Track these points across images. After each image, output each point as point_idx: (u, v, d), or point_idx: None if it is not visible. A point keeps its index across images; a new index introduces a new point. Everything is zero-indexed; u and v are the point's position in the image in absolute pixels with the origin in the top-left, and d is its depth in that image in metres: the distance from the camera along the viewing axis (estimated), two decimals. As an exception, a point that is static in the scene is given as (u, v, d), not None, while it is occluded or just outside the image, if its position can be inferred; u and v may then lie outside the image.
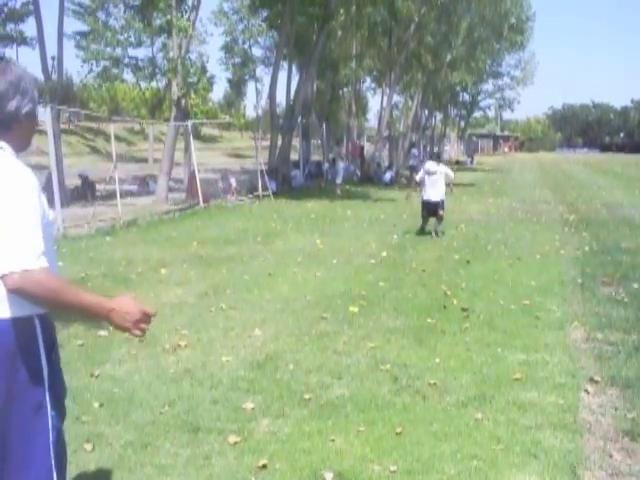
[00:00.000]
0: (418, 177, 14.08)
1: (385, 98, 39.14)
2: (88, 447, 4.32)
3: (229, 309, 7.65)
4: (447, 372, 5.62)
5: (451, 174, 14.08)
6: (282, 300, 8.01)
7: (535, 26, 58.54)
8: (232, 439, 4.40)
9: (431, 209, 13.38)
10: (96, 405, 4.97)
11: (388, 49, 38.23)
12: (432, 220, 13.62)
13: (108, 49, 40.46)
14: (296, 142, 30.87)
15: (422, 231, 13.60)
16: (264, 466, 4.06)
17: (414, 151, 32.68)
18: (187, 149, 24.58)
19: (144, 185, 23.79)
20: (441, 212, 13.41)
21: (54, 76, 21.68)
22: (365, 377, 5.53)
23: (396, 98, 49.61)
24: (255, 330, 6.79)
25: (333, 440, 4.40)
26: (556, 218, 16.68)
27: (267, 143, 28.31)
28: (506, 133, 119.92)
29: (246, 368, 5.73)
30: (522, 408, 4.90)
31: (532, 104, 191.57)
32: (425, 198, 13.50)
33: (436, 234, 13.28)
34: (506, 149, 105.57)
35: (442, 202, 13.47)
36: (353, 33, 35.45)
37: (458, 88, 60.20)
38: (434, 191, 13.39)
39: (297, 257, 10.83)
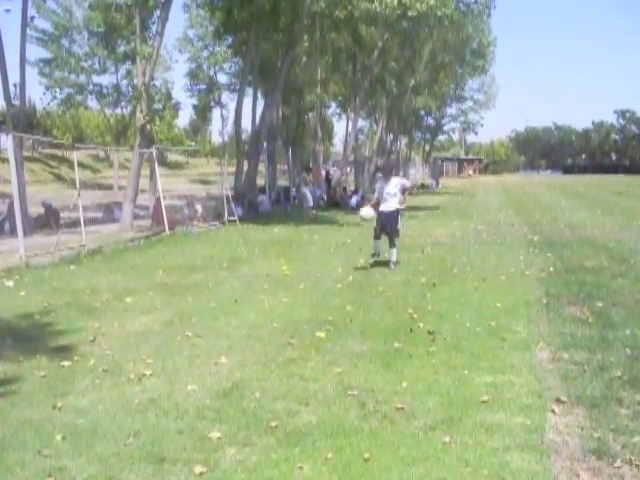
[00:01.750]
0: (376, 194, 13.25)
1: (350, 123, 39.45)
2: (50, 482, 4.22)
3: (195, 337, 7.57)
4: (414, 396, 5.60)
5: (406, 182, 13.98)
6: (248, 327, 7.95)
7: (496, 50, 59.17)
8: (198, 469, 4.34)
9: (384, 222, 12.45)
10: (59, 438, 4.87)
11: (352, 74, 38.60)
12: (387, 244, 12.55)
13: (72, 76, 40.36)
14: (262, 167, 30.88)
15: (375, 256, 12.66)
16: (231, 496, 4.01)
17: (379, 175, 32.79)
18: (152, 176, 24.44)
19: (109, 212, 23.58)
20: (396, 226, 12.58)
21: (16, 103, 21.43)
22: (332, 403, 5.49)
23: (361, 123, 50.22)
24: (221, 358, 6.73)
25: (301, 468, 4.36)
26: (521, 239, 16.84)
27: (233, 169, 28.27)
28: (470, 156, 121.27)
29: (212, 397, 5.66)
30: (490, 430, 4.90)
31: (495, 127, 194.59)
32: (380, 209, 12.61)
33: (393, 265, 12.26)
34: (470, 172, 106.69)
35: (397, 213, 12.69)
36: (317, 59, 35.75)
37: (422, 112, 60.88)
38: (386, 203, 12.57)
39: (263, 283, 10.78)
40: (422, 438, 4.79)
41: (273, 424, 5.04)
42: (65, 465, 4.46)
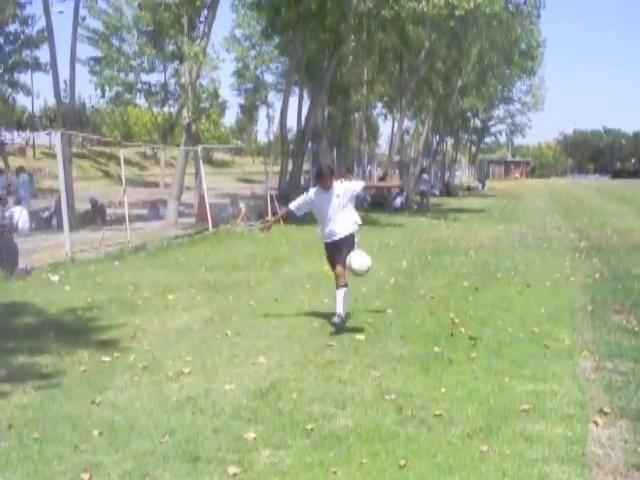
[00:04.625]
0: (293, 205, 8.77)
1: (396, 124, 39.28)
2: (85, 477, 4.25)
3: (234, 335, 7.58)
4: (453, 402, 5.52)
5: (357, 186, 8.55)
6: (288, 327, 7.94)
7: (545, 52, 58.29)
8: (232, 470, 4.32)
9: (333, 250, 8.26)
10: (96, 433, 4.91)
11: (399, 75, 38.42)
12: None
13: (121, 74, 40.94)
14: (307, 167, 30.91)
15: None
16: (264, 499, 3.98)
17: (425, 176, 32.59)
18: (197, 174, 24.65)
19: (154, 210, 23.82)
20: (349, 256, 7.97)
21: (66, 100, 21.80)
22: (369, 407, 5.44)
23: (407, 123, 49.91)
24: (259, 357, 6.72)
25: (335, 472, 4.31)
26: (567, 244, 16.55)
27: (278, 168, 28.35)
28: (517, 159, 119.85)
29: (249, 397, 5.65)
30: (529, 440, 4.79)
31: (543, 130, 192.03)
32: (327, 240, 8.36)
33: (339, 318, 7.83)
34: (517, 175, 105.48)
35: (352, 237, 8.19)
36: (364, 59, 35.62)
37: (469, 114, 60.33)
38: (337, 224, 8.16)
39: (305, 283, 10.76)
40: (459, 446, 4.70)
41: (309, 427, 5.00)
42: (101, 461, 4.49)
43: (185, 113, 20.67)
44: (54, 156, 47.20)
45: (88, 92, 47.37)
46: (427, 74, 39.88)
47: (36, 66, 40.30)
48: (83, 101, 54.26)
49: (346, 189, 8.23)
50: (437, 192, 44.47)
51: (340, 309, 7.82)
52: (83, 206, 21.62)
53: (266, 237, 17.29)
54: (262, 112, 73.06)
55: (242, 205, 21.85)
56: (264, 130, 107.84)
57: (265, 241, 16.35)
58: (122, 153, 18.50)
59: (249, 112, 58.37)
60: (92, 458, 4.53)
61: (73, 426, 5.07)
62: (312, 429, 4.97)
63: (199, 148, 20.95)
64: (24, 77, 69.21)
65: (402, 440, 4.81)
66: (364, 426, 5.04)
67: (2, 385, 6.03)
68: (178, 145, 34.63)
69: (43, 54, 54.66)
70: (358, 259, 7.93)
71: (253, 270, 12.09)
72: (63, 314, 8.70)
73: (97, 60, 41.38)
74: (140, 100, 44.64)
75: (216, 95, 46.80)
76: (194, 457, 4.52)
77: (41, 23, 38.17)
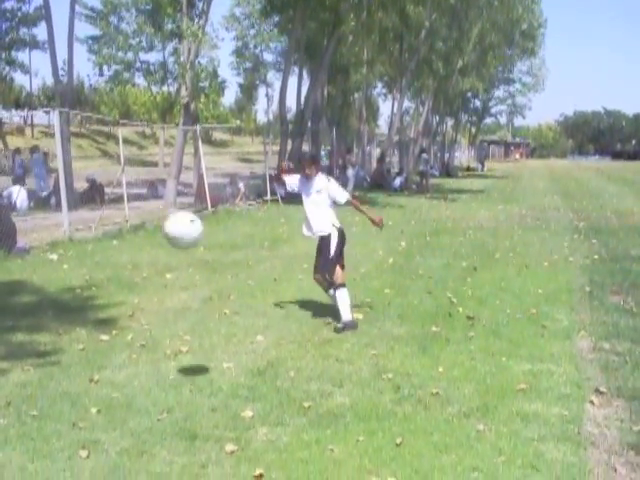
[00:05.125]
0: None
1: (396, 104, 39.06)
2: (83, 454, 4.28)
3: (232, 314, 7.60)
4: (450, 382, 5.54)
5: (341, 197, 7.54)
6: (286, 306, 7.96)
7: (546, 32, 57.84)
8: (229, 448, 4.34)
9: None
10: (94, 411, 4.93)
11: (399, 55, 38.17)
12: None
13: (120, 53, 40.75)
14: (306, 147, 30.83)
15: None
16: (260, 476, 4.01)
17: (424, 156, 32.47)
18: (196, 153, 24.57)
19: (153, 189, 23.77)
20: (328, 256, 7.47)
21: (64, 79, 21.67)
22: (367, 386, 5.47)
23: (407, 104, 49.62)
24: (257, 336, 6.74)
25: (332, 450, 4.34)
26: (566, 225, 16.55)
27: (277, 148, 28.27)
28: (517, 140, 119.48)
29: (247, 375, 5.67)
30: (525, 419, 4.82)
31: (543, 111, 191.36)
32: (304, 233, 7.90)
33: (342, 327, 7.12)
34: (517, 156, 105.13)
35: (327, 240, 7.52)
36: (364, 39, 35.34)
37: (469, 94, 60.01)
38: (313, 220, 7.59)
39: (303, 263, 10.73)
40: (456, 425, 4.73)
41: (306, 404, 5.03)
42: (99, 438, 4.51)
43: (184, 92, 20.57)
44: (53, 135, 47.11)
45: (86, 71, 47.25)
46: (427, 54, 39.65)
47: (34, 44, 40.13)
48: (82, 80, 54.07)
49: (328, 190, 7.47)
50: (436, 172, 44.37)
51: (342, 315, 7.15)
52: (81, 185, 21.56)
53: (264, 217, 17.34)
54: (261, 91, 72.89)
55: (241, 185, 21.81)
56: (263, 110, 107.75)
57: (264, 221, 16.36)
58: (121, 132, 18.41)
59: (248, 91, 58.15)
60: (90, 435, 4.56)
61: (71, 404, 5.09)
62: (309, 407, 5.00)
63: (198, 127, 20.87)
64: (22, 55, 68.75)
65: (399, 419, 4.84)
66: (361, 404, 5.07)
67: (1, 363, 6.04)
68: (177, 124, 34.57)
69: (41, 32, 54.24)
70: (173, 220, 5.83)
71: (252, 250, 12.09)
72: (61, 293, 8.71)
73: (95, 39, 41.17)
74: (139, 79, 44.54)
75: (215, 74, 46.67)
76: (191, 435, 4.55)
77: (38, 0, 38.03)
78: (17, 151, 24.61)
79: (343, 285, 7.37)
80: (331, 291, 7.47)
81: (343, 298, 7.24)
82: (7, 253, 11.02)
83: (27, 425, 4.73)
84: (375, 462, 4.19)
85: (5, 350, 6.42)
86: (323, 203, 7.48)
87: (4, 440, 4.50)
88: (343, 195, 7.60)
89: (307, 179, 7.52)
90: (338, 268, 7.48)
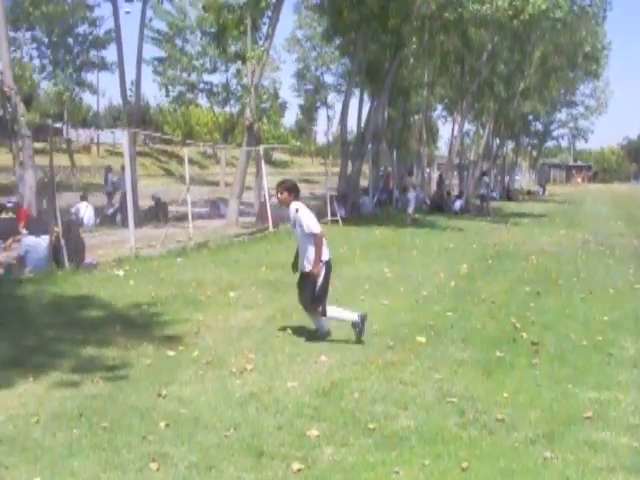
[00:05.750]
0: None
1: (456, 126, 38.92)
2: (153, 466, 4.37)
3: (296, 334, 7.67)
4: (515, 407, 5.50)
5: (312, 228, 7.25)
6: (348, 327, 7.97)
7: (610, 55, 56.79)
8: (296, 466, 4.39)
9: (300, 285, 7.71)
10: (162, 425, 5.03)
11: (460, 77, 38.08)
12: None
13: (184, 74, 41.62)
14: (366, 169, 30.91)
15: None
16: (327, 495, 4.04)
17: (485, 179, 32.26)
18: (258, 173, 24.88)
19: (215, 208, 24.12)
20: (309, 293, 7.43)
21: (132, 100, 22.27)
22: (431, 409, 5.46)
23: (467, 126, 49.36)
24: (321, 356, 6.79)
25: (397, 472, 4.34)
26: (630, 252, 16.21)
27: (337, 169, 28.42)
28: (579, 163, 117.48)
29: (311, 395, 5.72)
30: (593, 448, 4.75)
31: (606, 134, 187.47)
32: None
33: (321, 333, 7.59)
34: (579, 180, 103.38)
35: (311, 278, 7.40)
36: (425, 61, 35.40)
37: (531, 117, 59.37)
38: (301, 251, 7.59)
39: (364, 284, 10.79)
40: (522, 451, 4.69)
41: (371, 426, 5.05)
42: (168, 451, 4.61)
43: (247, 114, 20.88)
44: (117, 154, 48.30)
45: (151, 92, 48.34)
46: (489, 76, 39.41)
47: (102, 66, 41.33)
48: (147, 101, 55.34)
49: (297, 221, 7.25)
50: (497, 196, 43.94)
51: (348, 317, 7.54)
52: (145, 203, 22.02)
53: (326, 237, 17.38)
54: (322, 113, 73.25)
55: (302, 205, 21.95)
56: (323, 131, 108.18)
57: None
58: (186, 152, 18.80)
59: (308, 113, 58.67)
60: (159, 449, 4.65)
61: (141, 417, 5.21)
62: (374, 428, 5.01)
63: (261, 148, 21.15)
64: (90, 76, 70.87)
65: (464, 443, 4.82)
66: (426, 428, 5.06)
67: (72, 375, 6.23)
68: (239, 144, 35.02)
69: (109, 54, 55.81)
70: None
71: (313, 270, 12.15)
72: (128, 308, 8.91)
73: (161, 60, 42.17)
74: (202, 100, 45.36)
75: (276, 96, 47.23)
76: (258, 452, 4.61)
77: (108, 24, 39.18)
78: (109, 169, 25.31)
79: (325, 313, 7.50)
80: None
81: (335, 314, 7.55)
82: (76, 268, 11.34)
83: (99, 436, 4.86)
84: (441, 486, 4.19)
85: (76, 363, 6.60)
86: (303, 234, 7.31)
87: (78, 449, 4.64)
88: (312, 227, 7.20)
89: (286, 206, 7.53)
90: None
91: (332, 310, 7.53)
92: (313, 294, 7.38)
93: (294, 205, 7.33)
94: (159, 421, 5.10)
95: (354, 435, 4.91)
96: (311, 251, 7.28)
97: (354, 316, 7.44)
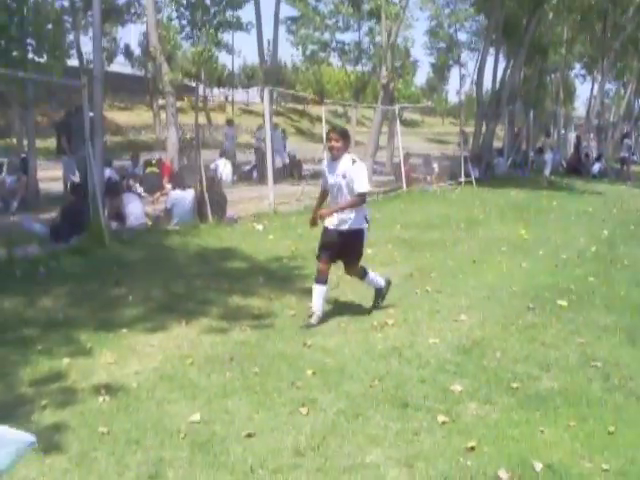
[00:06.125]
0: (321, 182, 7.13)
1: (596, 86, 37.23)
2: (303, 411, 4.59)
3: (434, 292, 7.73)
4: (664, 375, 5.36)
5: (359, 185, 6.47)
6: (487, 288, 7.96)
7: None
8: (440, 418, 4.49)
9: (329, 244, 6.71)
10: (309, 372, 5.25)
11: (602, 34, 36.26)
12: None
13: (316, 33, 41.79)
14: (499, 129, 30.19)
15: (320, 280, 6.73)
16: (472, 448, 4.11)
17: (627, 141, 30.74)
18: (391, 133, 24.83)
19: (347, 167, 24.30)
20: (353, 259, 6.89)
21: (268, 59, 22.65)
22: (574, 372, 5.41)
23: (607, 86, 47.07)
24: (461, 315, 6.83)
25: (542, 431, 4.36)
26: None
27: (469, 129, 27.93)
28: None
29: (452, 351, 5.79)
30: None
31: None
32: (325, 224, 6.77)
33: (374, 304, 7.12)
34: None
35: (355, 235, 6.70)
36: (565, 17, 33.91)
37: (678, 76, 55.93)
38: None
39: (501, 246, 10.67)
40: (674, 419, 4.59)
41: (514, 385, 5.07)
42: (316, 398, 4.81)
43: (383, 72, 20.79)
44: (250, 112, 49.28)
45: (283, 51, 48.86)
46: (633, 33, 37.33)
47: (238, 26, 42.10)
48: (280, 59, 56.00)
49: (350, 175, 6.46)
50: (638, 159, 41.86)
51: (315, 306, 6.63)
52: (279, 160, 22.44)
53: (458, 198, 17.23)
54: (454, 72, 71.87)
55: (435, 165, 21.82)
56: (455, 90, 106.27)
57: (458, 202, 16.30)
58: (323, 110, 19.02)
59: (440, 71, 57.60)
60: (308, 394, 4.87)
61: (288, 365, 5.45)
62: (517, 388, 5.03)
63: (397, 107, 21.08)
64: (226, 36, 72.25)
65: (610, 408, 4.77)
66: (570, 390, 5.03)
67: (221, 322, 6.58)
68: (369, 104, 34.95)
69: (244, 14, 56.76)
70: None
71: (448, 230, 12.13)
72: (269, 261, 9.23)
73: (294, 20, 42.51)
74: (334, 59, 45.46)
75: (408, 54, 46.63)
76: (403, 403, 4.74)
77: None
78: (260, 127, 25.79)
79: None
80: (369, 278, 7.06)
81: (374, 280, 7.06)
82: (219, 221, 11.82)
83: (250, 379, 5.14)
84: (587, 448, 4.17)
85: (224, 311, 6.96)
86: (347, 189, 6.53)
87: (231, 391, 4.93)
88: (362, 185, 6.48)
89: (333, 158, 6.59)
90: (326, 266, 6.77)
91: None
92: (360, 255, 6.92)
93: (349, 156, 6.58)
94: (306, 369, 5.32)
95: (497, 393, 4.95)
96: (350, 205, 6.52)
97: (381, 281, 7.08)
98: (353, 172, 6.45)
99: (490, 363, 5.54)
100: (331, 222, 6.65)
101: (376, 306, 7.07)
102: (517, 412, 4.64)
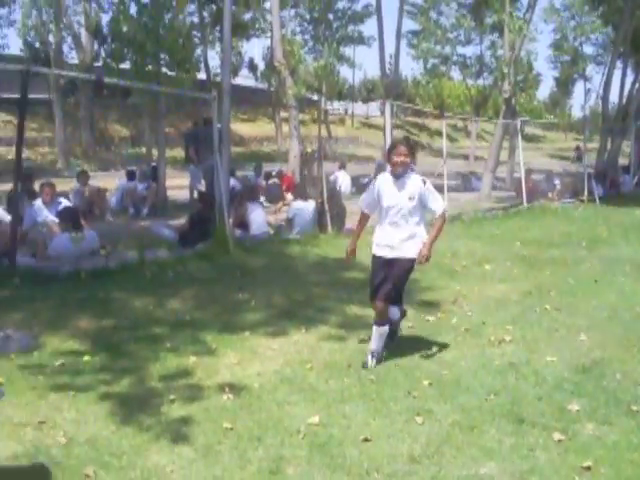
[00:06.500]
0: (363, 203, 6.17)
1: None
2: (419, 420, 4.71)
3: (553, 310, 7.64)
4: None
5: (438, 205, 5.86)
6: (609, 308, 7.78)
7: None
8: (556, 436, 4.49)
9: (379, 269, 5.96)
10: (425, 383, 5.36)
11: None
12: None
13: (438, 47, 41.75)
14: (625, 146, 29.11)
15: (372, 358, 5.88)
16: (588, 468, 4.09)
17: None
18: (512, 148, 24.47)
19: (466, 181, 24.10)
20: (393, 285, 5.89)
21: (389, 73, 22.87)
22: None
23: None
24: (580, 335, 6.73)
25: (664, 457, 4.28)
26: None
27: (593, 145, 27.10)
28: None
29: (571, 370, 5.73)
30: None
31: None
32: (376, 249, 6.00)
33: (390, 337, 6.14)
34: None
35: (409, 265, 5.93)
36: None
37: None
38: (390, 237, 5.85)
39: (624, 266, 10.36)
40: None
41: (634, 408, 4.98)
42: (431, 408, 4.92)
43: (506, 86, 20.56)
44: (370, 126, 49.60)
45: (404, 64, 48.98)
46: None
47: (359, 40, 42.58)
48: (400, 73, 56.16)
49: (422, 195, 5.72)
50: None
51: (373, 345, 5.88)
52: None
53: (581, 216, 16.79)
54: (578, 86, 69.82)
55: (557, 182, 21.33)
56: (579, 105, 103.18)
57: (581, 220, 15.88)
58: (444, 124, 19.02)
59: (564, 85, 56.13)
60: (423, 404, 4.98)
61: (404, 374, 5.57)
62: (638, 411, 4.94)
63: (518, 122, 20.78)
64: (348, 50, 73.12)
65: None
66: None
67: (339, 330, 6.80)
68: (490, 118, 34.53)
69: (365, 28, 57.13)
70: None
71: (569, 248, 11.87)
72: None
73: (415, 33, 42.63)
74: (454, 72, 45.27)
75: (530, 67, 45.75)
76: (518, 418, 4.76)
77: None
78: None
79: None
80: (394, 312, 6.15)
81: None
82: (338, 232, 12.06)
83: (367, 387, 5.30)
84: None
85: (342, 319, 7.18)
86: (416, 214, 5.78)
87: (348, 396, 5.11)
88: (440, 204, 5.85)
89: (396, 176, 5.72)
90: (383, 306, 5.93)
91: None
92: (403, 286, 6.08)
93: (417, 175, 5.83)
94: (422, 379, 5.43)
95: (616, 414, 4.88)
96: (421, 233, 5.83)
97: (376, 346, 5.93)
98: (427, 192, 5.73)
99: (610, 384, 5.45)
100: (381, 248, 5.90)
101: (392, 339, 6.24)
102: (637, 435, 4.57)
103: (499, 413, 4.85)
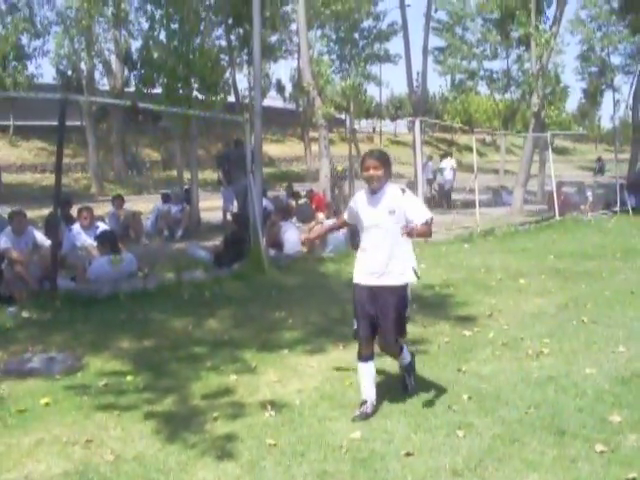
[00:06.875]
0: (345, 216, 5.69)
1: None
2: (460, 434, 4.72)
3: (590, 323, 7.62)
4: None
5: (420, 216, 4.97)
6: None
7: None
8: (599, 448, 4.47)
9: (363, 301, 5.29)
10: (465, 397, 5.37)
11: None
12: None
13: (464, 62, 41.88)
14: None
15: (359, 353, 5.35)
16: (633, 479, 4.09)
17: None
18: (542, 161, 24.41)
19: (497, 196, 24.08)
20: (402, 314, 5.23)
21: (417, 90, 22.98)
22: None
23: None
24: (619, 346, 6.70)
25: None
26: None
27: (624, 156, 26.91)
28: None
29: (610, 382, 5.71)
30: None
31: None
32: (356, 279, 5.38)
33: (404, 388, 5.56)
34: None
35: (401, 294, 5.22)
36: None
37: None
38: (374, 261, 5.20)
39: (661, 277, 10.30)
40: None
41: (676, 420, 4.96)
42: (472, 422, 4.93)
43: (535, 100, 20.55)
44: (398, 143, 49.74)
45: (431, 80, 49.13)
46: None
47: (386, 58, 42.83)
48: (427, 89, 56.24)
49: (401, 208, 4.98)
50: None
51: (364, 394, 5.23)
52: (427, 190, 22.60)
53: (614, 227, 16.68)
54: (607, 96, 69.32)
55: (589, 194, 21.24)
56: (608, 115, 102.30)
57: (614, 232, 15.79)
58: (474, 139, 19.04)
59: (593, 97, 55.83)
60: (464, 419, 4.99)
61: (444, 389, 5.59)
62: (680, 423, 4.92)
63: (548, 135, 20.73)
64: (374, 68, 73.50)
65: None
66: None
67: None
68: (519, 132, 34.46)
69: (391, 46, 57.39)
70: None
71: (604, 260, 11.81)
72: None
73: (441, 49, 42.81)
74: (481, 87, 45.29)
75: (558, 80, 45.61)
76: (560, 431, 4.75)
77: (389, 17, 40.53)
78: (429, 158, 26.08)
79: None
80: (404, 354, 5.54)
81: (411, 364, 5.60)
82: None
83: (406, 402, 5.32)
84: None
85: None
86: (398, 231, 4.96)
87: (389, 412, 5.14)
88: (422, 214, 5.02)
89: (372, 192, 5.07)
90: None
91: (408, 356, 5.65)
92: (403, 320, 5.28)
93: (394, 186, 5.10)
94: (462, 394, 5.45)
95: (659, 425, 4.87)
96: (409, 255, 5.23)
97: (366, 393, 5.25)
98: (406, 203, 5.00)
99: (651, 395, 5.43)
100: (366, 276, 5.22)
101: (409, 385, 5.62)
102: (681, 449, 4.55)
103: (540, 426, 4.85)
